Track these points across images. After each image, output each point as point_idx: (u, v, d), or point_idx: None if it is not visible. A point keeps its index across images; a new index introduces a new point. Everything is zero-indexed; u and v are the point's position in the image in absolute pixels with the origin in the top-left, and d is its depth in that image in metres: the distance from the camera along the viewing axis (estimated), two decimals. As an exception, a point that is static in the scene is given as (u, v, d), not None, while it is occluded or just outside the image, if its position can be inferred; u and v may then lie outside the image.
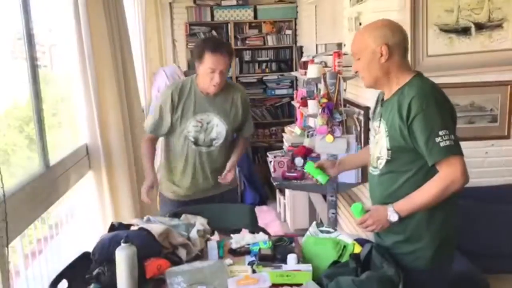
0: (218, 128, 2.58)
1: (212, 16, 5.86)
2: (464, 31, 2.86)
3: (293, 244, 2.13)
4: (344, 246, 1.94)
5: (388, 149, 1.79)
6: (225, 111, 2.59)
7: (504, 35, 2.86)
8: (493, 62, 2.88)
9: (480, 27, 2.86)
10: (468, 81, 2.91)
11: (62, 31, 2.54)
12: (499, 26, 2.85)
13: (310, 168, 2.17)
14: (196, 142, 2.57)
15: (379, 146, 1.84)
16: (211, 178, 2.63)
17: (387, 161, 1.81)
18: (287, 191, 4.54)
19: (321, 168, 2.17)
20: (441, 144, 1.66)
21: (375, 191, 1.93)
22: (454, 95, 2.91)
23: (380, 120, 1.84)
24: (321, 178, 2.14)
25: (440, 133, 1.66)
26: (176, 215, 2.32)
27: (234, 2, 5.87)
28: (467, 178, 1.69)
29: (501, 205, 2.82)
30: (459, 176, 1.67)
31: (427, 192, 1.71)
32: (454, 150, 1.67)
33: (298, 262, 1.90)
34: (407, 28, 2.80)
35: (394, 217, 1.75)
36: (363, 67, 1.83)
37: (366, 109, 3.02)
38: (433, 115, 1.68)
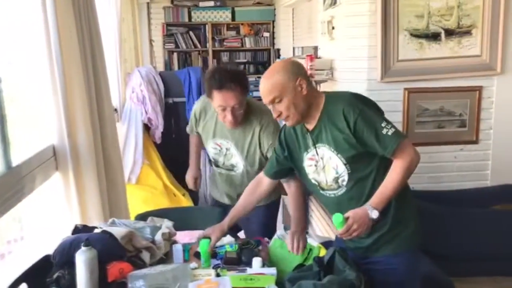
0: (236, 158, 2.46)
1: (190, 16, 5.85)
2: (434, 37, 2.90)
3: (260, 247, 2.12)
4: (310, 249, 1.94)
5: (345, 164, 1.83)
6: (242, 144, 2.40)
7: (472, 42, 2.91)
8: (462, 68, 2.93)
9: (449, 33, 2.91)
10: (437, 86, 2.96)
11: (29, 28, 2.48)
12: (468, 32, 2.90)
13: (203, 247, 1.97)
14: (216, 164, 2.56)
15: (330, 168, 1.86)
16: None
17: (349, 174, 1.84)
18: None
19: (207, 237, 2.04)
20: (389, 133, 1.75)
21: (346, 208, 1.83)
22: (424, 100, 2.97)
23: (315, 147, 1.89)
24: (204, 261, 1.96)
25: (382, 124, 1.76)
26: (142, 218, 2.30)
27: (212, 3, 5.87)
28: (419, 155, 1.79)
29: (469, 208, 2.86)
30: (413, 154, 1.77)
31: (394, 180, 1.77)
32: (400, 135, 1.77)
33: (264, 266, 1.89)
34: (378, 32, 2.84)
35: (375, 214, 1.76)
36: (287, 107, 1.82)
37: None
38: (368, 113, 1.78)
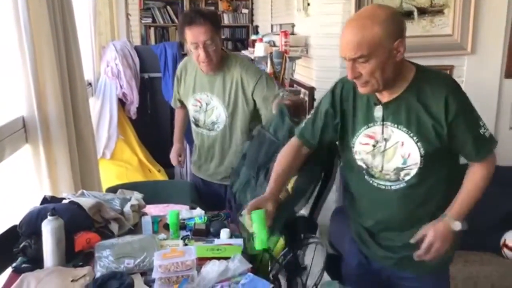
0: (218, 110, 2.39)
1: (168, -9, 5.76)
2: (407, 15, 2.93)
3: (229, 219, 2.15)
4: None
5: (421, 156, 1.53)
6: (223, 91, 2.34)
7: (445, 21, 2.95)
8: (434, 47, 2.97)
9: (422, 11, 2.94)
10: (409, 64, 2.98)
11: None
12: (440, 11, 2.93)
13: (258, 220, 1.54)
14: (196, 123, 2.47)
15: (397, 155, 1.57)
16: (220, 166, 2.47)
17: (420, 169, 1.55)
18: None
19: (259, 207, 1.59)
20: (487, 135, 1.55)
21: (391, 208, 1.64)
22: (396, 78, 3.00)
23: (383, 124, 1.56)
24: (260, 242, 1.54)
25: (481, 123, 1.54)
26: (113, 191, 2.30)
27: (190, -22, 5.79)
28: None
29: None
30: (495, 162, 1.60)
31: (478, 187, 1.57)
32: (494, 139, 1.59)
33: (231, 237, 1.92)
34: (352, 9, 2.85)
35: (457, 226, 1.54)
36: (373, 70, 1.45)
37: (311, 89, 3.06)
38: (471, 108, 1.54)
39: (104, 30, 4.73)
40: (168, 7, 5.79)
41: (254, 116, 2.36)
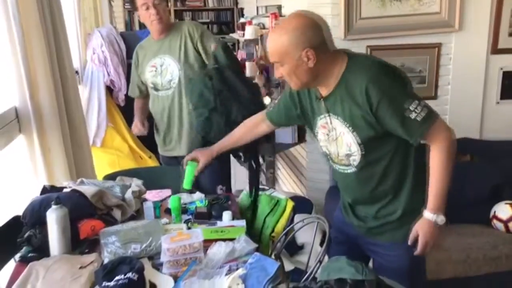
0: (171, 67, 2.64)
1: (150, -25, 5.67)
2: (396, -6, 2.94)
3: (229, 202, 2.18)
4: (277, 201, 2.01)
5: (359, 144, 1.63)
6: (174, 48, 2.63)
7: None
8: (422, 25, 3.00)
9: (411, -10, 2.95)
10: (398, 43, 3.02)
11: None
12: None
13: (189, 170, 2.01)
14: (156, 88, 2.69)
15: (344, 143, 1.67)
16: (182, 128, 2.72)
17: (363, 155, 1.65)
18: (228, 153, 4.57)
19: (195, 160, 2.03)
20: (418, 118, 1.52)
21: (354, 188, 1.79)
22: (386, 57, 2.98)
23: (329, 115, 1.67)
24: (185, 183, 2.02)
25: (411, 107, 1.52)
26: (111, 178, 2.31)
27: (173, -39, 5.71)
28: (451, 132, 1.61)
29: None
30: (449, 135, 1.58)
31: (440, 175, 1.60)
32: (431, 116, 1.55)
33: (233, 219, 1.95)
34: (341, -10, 2.85)
35: (441, 219, 1.62)
36: (288, 73, 1.60)
37: (303, 70, 3.08)
38: (395, 92, 1.55)
39: (88, 16, 4.65)
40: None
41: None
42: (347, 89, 1.59)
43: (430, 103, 3.06)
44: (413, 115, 1.52)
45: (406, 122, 1.53)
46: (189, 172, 1.99)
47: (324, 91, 1.66)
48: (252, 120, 2.03)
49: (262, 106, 2.31)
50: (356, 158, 1.66)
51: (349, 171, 1.72)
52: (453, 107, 3.17)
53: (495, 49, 3.13)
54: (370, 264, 1.88)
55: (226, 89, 2.26)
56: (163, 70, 2.66)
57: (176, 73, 2.65)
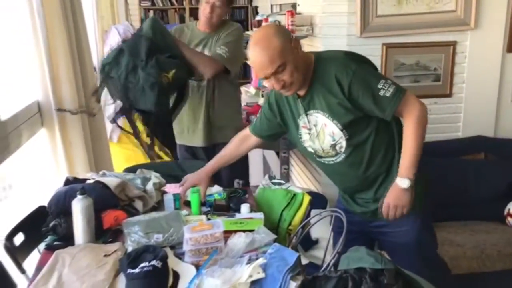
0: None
1: (166, -27, 5.74)
2: (411, -8, 2.96)
3: (247, 196, 2.22)
4: (294, 195, 2.05)
5: (341, 129, 1.74)
6: (217, 43, 2.67)
7: (448, -3, 2.98)
8: (437, 23, 3.01)
9: (427, -11, 2.97)
10: (414, 41, 3.04)
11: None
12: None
13: (195, 198, 2.01)
14: (191, 74, 2.67)
15: (326, 135, 1.79)
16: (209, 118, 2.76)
17: (348, 140, 1.77)
18: (242, 150, 4.62)
19: (196, 185, 2.08)
20: (387, 94, 1.66)
21: (347, 176, 1.88)
22: (401, 55, 3.06)
23: (306, 114, 1.80)
24: (194, 211, 2.01)
25: (379, 85, 1.67)
26: (131, 171, 2.36)
27: (189, -41, 5.76)
28: (423, 103, 1.73)
29: (441, 158, 3.01)
30: (419, 106, 1.70)
31: (411, 141, 1.70)
32: (399, 92, 1.68)
33: (251, 211, 2.00)
34: (357, -13, 2.88)
35: (405, 183, 1.72)
36: (291, 72, 1.68)
37: (318, 67, 3.11)
38: (362, 73, 1.68)
39: (105, 14, 4.72)
40: (167, -11, 5.79)
41: None
42: (320, 81, 1.72)
43: (445, 101, 3.15)
44: (382, 92, 1.66)
45: (377, 99, 1.66)
46: (195, 200, 2.01)
47: (301, 91, 1.78)
48: (239, 136, 2.16)
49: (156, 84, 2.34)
50: (342, 144, 1.78)
51: (338, 159, 1.83)
52: (468, 105, 3.18)
53: (511, 48, 3.13)
54: None
55: (131, 55, 2.36)
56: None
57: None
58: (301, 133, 1.87)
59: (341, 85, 1.67)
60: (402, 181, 1.72)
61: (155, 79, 2.28)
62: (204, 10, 2.67)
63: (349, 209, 1.97)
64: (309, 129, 1.82)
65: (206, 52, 2.70)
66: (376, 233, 1.94)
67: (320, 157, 1.87)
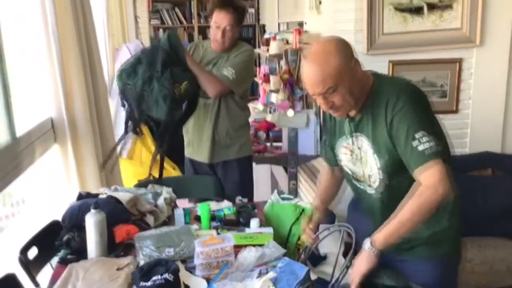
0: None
1: (175, -8, 5.86)
2: (417, 11, 3.02)
3: (256, 211, 2.24)
4: (303, 210, 2.07)
5: (378, 168, 1.59)
6: (231, 65, 2.67)
7: (454, 15, 3.03)
8: (443, 40, 3.06)
9: (432, 7, 3.03)
10: (420, 58, 3.08)
11: (24, 4, 2.51)
12: (449, 6, 3.02)
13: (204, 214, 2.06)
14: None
15: (368, 165, 1.64)
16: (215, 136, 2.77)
17: (381, 180, 1.62)
18: (250, 165, 4.65)
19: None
20: (419, 148, 1.44)
21: (374, 211, 1.73)
22: (408, 72, 3.10)
23: (352, 136, 1.66)
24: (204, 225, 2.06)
25: (417, 135, 1.45)
26: (142, 185, 2.40)
27: (197, -21, 5.88)
28: (446, 188, 1.42)
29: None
30: (441, 188, 1.41)
31: (410, 217, 1.47)
32: (434, 154, 1.43)
33: (260, 226, 2.02)
34: (364, 7, 2.95)
35: (369, 247, 1.52)
36: (343, 96, 1.52)
37: (326, 84, 3.15)
38: (410, 113, 1.48)
39: (116, 32, 4.82)
40: (176, 9, 5.89)
41: None
42: (372, 104, 1.57)
43: (451, 117, 3.18)
44: (415, 143, 1.44)
45: (407, 146, 1.47)
46: (205, 214, 2.04)
47: (352, 112, 1.64)
48: (323, 176, 2.00)
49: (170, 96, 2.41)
50: (376, 181, 1.63)
51: (370, 191, 1.69)
52: (474, 121, 3.20)
53: (517, 64, 3.17)
54: None
55: (148, 64, 2.46)
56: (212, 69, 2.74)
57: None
58: (339, 153, 1.76)
59: (386, 113, 1.51)
60: (367, 244, 1.53)
61: (168, 91, 2.37)
62: (215, 36, 2.66)
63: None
64: (352, 151, 1.68)
65: (215, 71, 2.73)
66: (396, 264, 1.77)
67: (357, 180, 1.73)
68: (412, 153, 1.46)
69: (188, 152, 2.96)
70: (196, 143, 2.87)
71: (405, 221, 1.47)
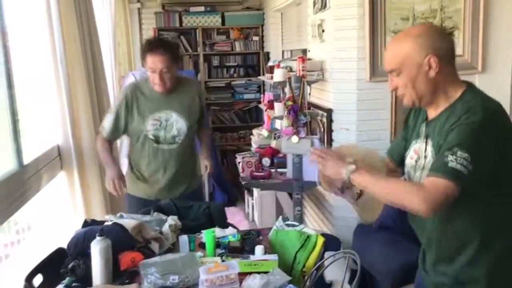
0: (178, 124, 2.63)
1: (181, 21, 5.94)
2: (419, 38, 3.06)
3: (260, 237, 2.24)
4: (308, 237, 2.07)
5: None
6: (182, 106, 2.64)
7: (455, 42, 3.06)
8: (445, 67, 3.08)
9: (433, 34, 3.06)
10: (423, 84, 3.10)
11: (33, 31, 2.58)
12: (450, 34, 3.06)
13: (209, 241, 2.06)
14: (156, 141, 2.62)
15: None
16: (175, 177, 2.70)
17: None
18: (255, 191, 4.66)
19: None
20: (448, 164, 1.35)
21: (428, 229, 1.60)
22: (411, 98, 3.12)
23: (426, 141, 1.55)
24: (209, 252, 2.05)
25: (457, 152, 1.35)
26: (147, 212, 2.41)
27: (202, 9, 5.97)
28: (431, 207, 1.35)
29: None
30: (427, 197, 1.35)
31: (395, 188, 1.45)
32: (455, 175, 1.34)
33: (265, 253, 2.01)
34: (366, 35, 2.99)
35: (345, 176, 1.52)
36: (405, 84, 1.49)
37: (329, 111, 3.18)
38: (469, 134, 1.37)
39: (123, 60, 4.91)
40: (182, 37, 5.97)
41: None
42: (450, 114, 1.45)
43: None
44: (449, 158, 1.36)
45: (440, 157, 1.40)
46: (210, 241, 2.04)
47: (431, 114, 1.56)
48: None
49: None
50: None
51: None
52: (479, 146, 3.20)
53: (519, 90, 3.19)
54: None
55: None
56: (169, 125, 2.62)
57: (184, 129, 2.64)
58: (407, 155, 1.66)
59: (453, 124, 1.41)
60: (351, 167, 1.52)
61: None
62: (153, 80, 2.54)
63: (425, 280, 1.71)
64: (418, 157, 1.58)
65: (181, 122, 2.62)
66: None
67: None
68: (440, 160, 1.39)
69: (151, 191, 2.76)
70: (167, 179, 2.73)
71: (383, 187, 1.47)
